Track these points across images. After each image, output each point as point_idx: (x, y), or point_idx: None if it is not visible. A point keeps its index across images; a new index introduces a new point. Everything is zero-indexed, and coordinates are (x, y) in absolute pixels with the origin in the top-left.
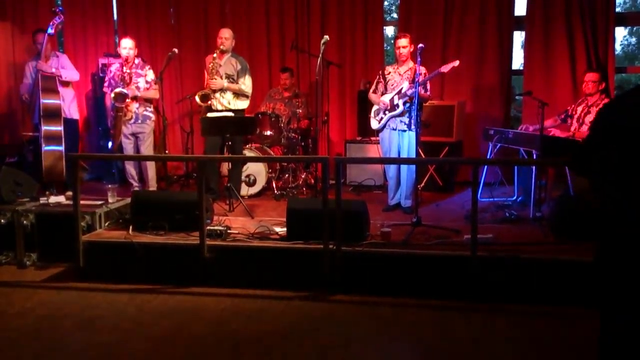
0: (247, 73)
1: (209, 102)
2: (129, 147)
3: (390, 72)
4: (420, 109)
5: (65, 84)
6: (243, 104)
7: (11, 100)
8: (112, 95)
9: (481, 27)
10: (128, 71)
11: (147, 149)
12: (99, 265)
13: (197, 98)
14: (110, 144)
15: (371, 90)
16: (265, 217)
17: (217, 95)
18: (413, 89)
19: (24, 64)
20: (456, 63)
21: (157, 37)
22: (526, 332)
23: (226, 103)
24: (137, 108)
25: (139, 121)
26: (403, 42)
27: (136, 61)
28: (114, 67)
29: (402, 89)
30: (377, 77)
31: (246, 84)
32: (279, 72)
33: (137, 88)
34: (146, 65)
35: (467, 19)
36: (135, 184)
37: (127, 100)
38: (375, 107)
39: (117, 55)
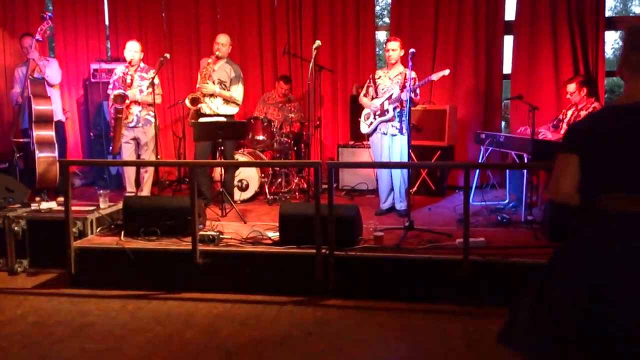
0: (240, 81)
1: (199, 106)
2: (128, 152)
3: (380, 77)
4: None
5: (55, 86)
6: (232, 109)
7: (2, 106)
8: (112, 96)
9: (472, 31)
10: (131, 73)
11: (149, 157)
12: (90, 271)
13: (186, 101)
14: (111, 147)
15: (362, 94)
16: (258, 222)
17: (207, 99)
18: (405, 94)
19: (14, 68)
20: (446, 72)
21: (149, 42)
22: None
23: (215, 108)
24: (140, 111)
25: (140, 125)
26: (392, 45)
27: (142, 65)
28: (119, 69)
29: (392, 94)
30: (368, 81)
31: (238, 92)
32: (278, 80)
33: (140, 91)
34: (151, 69)
35: (458, 23)
36: (130, 188)
37: (127, 101)
38: (365, 111)
39: (109, 60)
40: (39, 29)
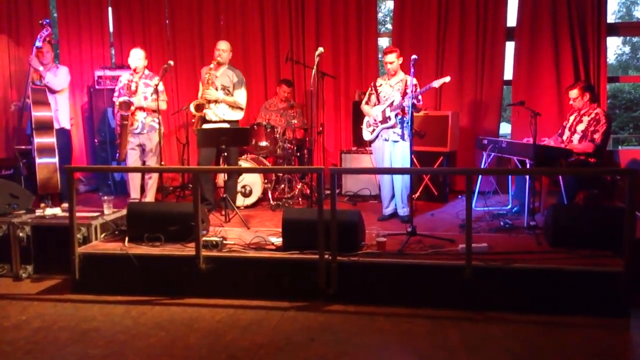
0: (242, 86)
1: (203, 112)
2: (133, 159)
3: (381, 84)
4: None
5: (59, 92)
6: (237, 115)
7: (7, 113)
8: (117, 104)
9: (474, 37)
10: (135, 80)
11: (154, 163)
12: (94, 277)
13: (191, 107)
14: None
15: (364, 102)
16: (261, 227)
17: (212, 106)
18: (407, 101)
19: (19, 76)
20: (447, 79)
21: (153, 50)
22: (521, 341)
23: (221, 114)
24: (145, 118)
25: (145, 131)
26: (390, 57)
27: (146, 72)
28: (124, 77)
29: (393, 101)
30: (370, 88)
31: (242, 96)
32: (279, 84)
33: (145, 98)
34: (156, 76)
35: (460, 29)
36: (134, 194)
37: (132, 107)
38: (367, 119)
39: (113, 67)
40: (38, 36)
